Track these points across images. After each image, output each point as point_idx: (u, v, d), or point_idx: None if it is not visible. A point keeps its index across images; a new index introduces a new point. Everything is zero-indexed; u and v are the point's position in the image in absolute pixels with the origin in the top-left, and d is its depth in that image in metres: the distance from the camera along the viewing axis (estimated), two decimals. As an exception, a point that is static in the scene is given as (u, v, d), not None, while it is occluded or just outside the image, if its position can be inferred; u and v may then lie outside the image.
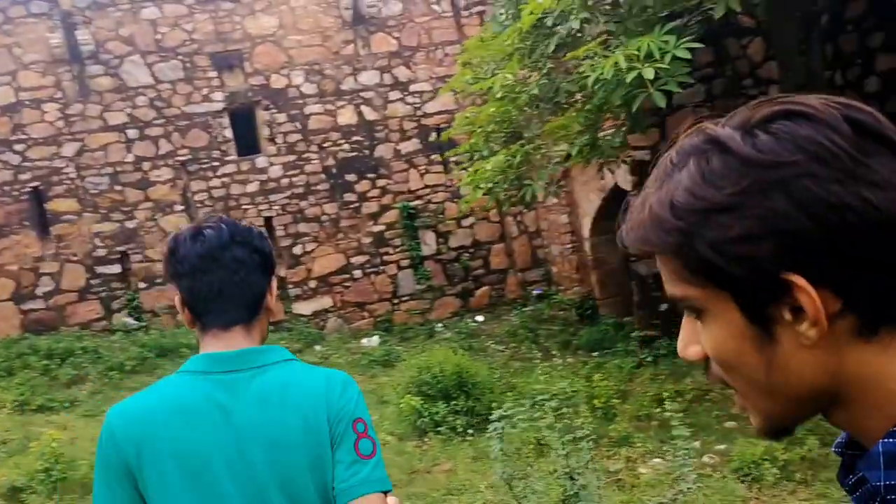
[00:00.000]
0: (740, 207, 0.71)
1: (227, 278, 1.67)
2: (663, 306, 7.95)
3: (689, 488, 4.13)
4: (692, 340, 0.82)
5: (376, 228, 12.64)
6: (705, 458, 5.70)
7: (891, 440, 0.72)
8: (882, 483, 0.71)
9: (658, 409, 6.44)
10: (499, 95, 7.16)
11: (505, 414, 4.61)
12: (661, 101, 4.75)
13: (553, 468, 4.48)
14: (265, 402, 1.63)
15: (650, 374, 7.89)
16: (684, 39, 4.94)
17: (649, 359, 8.26)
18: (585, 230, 11.25)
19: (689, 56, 4.82)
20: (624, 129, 7.41)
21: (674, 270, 0.78)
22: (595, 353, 9.25)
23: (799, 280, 0.71)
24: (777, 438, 0.83)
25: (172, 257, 1.70)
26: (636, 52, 4.79)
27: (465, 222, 12.92)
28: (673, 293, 0.80)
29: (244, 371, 1.65)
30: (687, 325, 0.82)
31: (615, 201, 9.60)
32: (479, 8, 12.86)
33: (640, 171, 7.76)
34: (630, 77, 4.74)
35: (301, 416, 1.62)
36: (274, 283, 1.78)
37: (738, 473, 5.26)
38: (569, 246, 11.92)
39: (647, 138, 7.64)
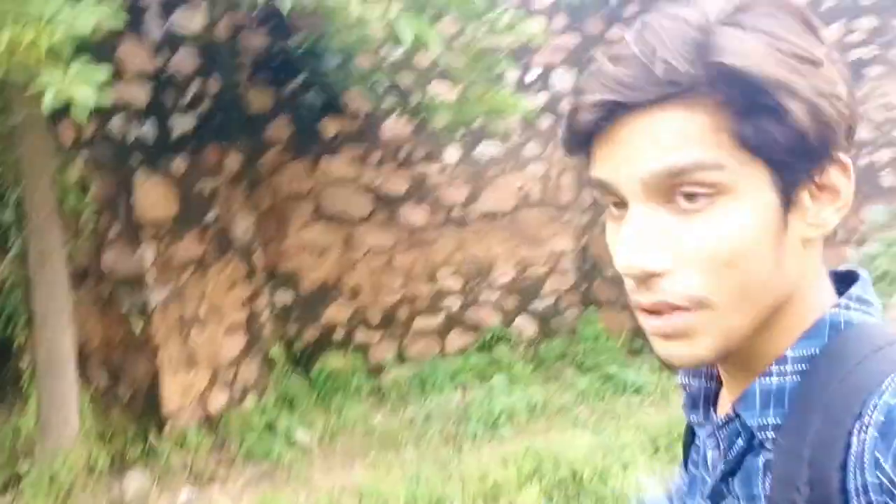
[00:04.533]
0: (831, 69, 0.68)
1: None
2: None
3: None
4: (657, 245, 0.68)
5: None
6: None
7: (766, 379, 0.71)
8: (756, 421, 0.71)
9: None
10: None
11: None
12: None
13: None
14: None
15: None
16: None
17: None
18: None
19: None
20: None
21: (700, 131, 0.66)
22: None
23: (848, 161, 0.70)
24: (702, 365, 0.76)
25: None
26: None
27: None
28: (679, 161, 0.66)
29: None
30: (649, 226, 0.68)
31: None
32: None
33: None
34: None
35: None
36: None
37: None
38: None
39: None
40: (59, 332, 4.14)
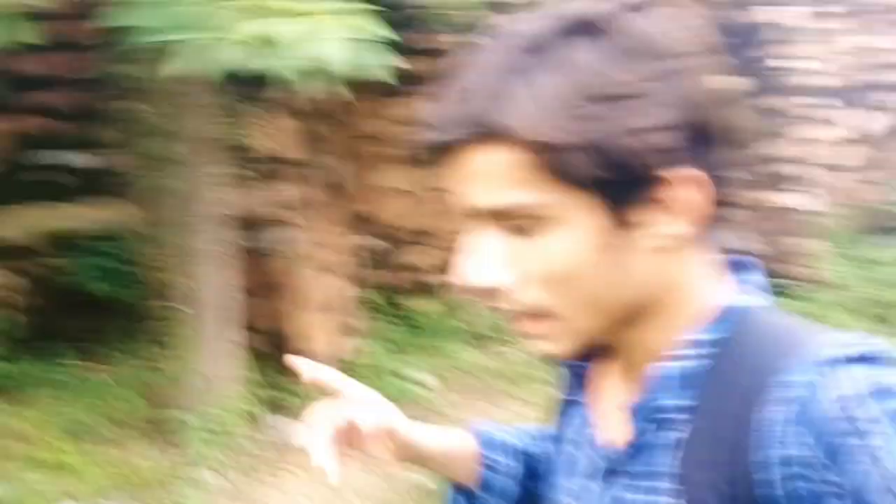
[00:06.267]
0: (655, 94, 0.66)
1: None
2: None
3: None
4: (496, 264, 0.70)
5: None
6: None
7: (678, 361, 0.72)
8: (673, 402, 0.72)
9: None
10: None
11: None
12: None
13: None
14: None
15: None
16: None
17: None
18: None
19: None
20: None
21: (516, 171, 0.66)
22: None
23: (695, 174, 0.68)
24: (568, 360, 0.79)
25: None
26: None
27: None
28: (499, 202, 0.68)
29: None
30: (487, 247, 0.71)
31: None
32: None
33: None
34: None
35: None
36: None
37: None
38: None
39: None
40: (222, 271, 3.88)
